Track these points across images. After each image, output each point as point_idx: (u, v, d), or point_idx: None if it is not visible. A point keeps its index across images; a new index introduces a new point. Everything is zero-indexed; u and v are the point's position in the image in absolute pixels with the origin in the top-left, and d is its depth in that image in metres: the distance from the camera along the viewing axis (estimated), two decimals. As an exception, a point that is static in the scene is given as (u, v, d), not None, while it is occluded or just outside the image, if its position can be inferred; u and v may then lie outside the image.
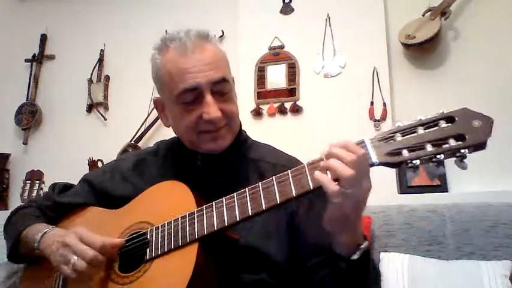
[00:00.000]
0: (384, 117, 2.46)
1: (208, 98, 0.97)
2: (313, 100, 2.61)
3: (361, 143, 0.79)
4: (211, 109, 0.96)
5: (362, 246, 0.83)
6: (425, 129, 0.76)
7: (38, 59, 3.32)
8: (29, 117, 3.18)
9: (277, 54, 2.69)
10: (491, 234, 1.91)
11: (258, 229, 0.94)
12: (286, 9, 2.75)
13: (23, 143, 3.19)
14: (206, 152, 1.03)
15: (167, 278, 0.87)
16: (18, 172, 3.11)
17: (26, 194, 2.72)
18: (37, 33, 3.36)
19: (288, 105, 2.62)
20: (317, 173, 0.78)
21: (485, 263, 1.81)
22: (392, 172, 2.34)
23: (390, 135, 0.78)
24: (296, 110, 2.60)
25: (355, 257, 0.82)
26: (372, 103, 2.49)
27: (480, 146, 0.73)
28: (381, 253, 1.99)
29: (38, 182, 2.76)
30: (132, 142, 2.86)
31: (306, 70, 2.65)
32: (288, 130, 2.56)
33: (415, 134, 0.76)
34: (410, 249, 1.97)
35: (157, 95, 1.10)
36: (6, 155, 3.17)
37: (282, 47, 2.70)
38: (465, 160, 0.73)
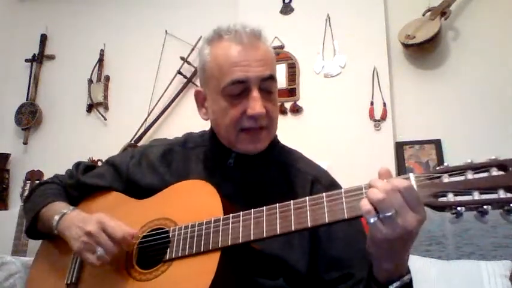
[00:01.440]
0: (383, 117, 2.46)
1: (255, 93, 0.95)
2: (313, 100, 2.61)
3: (405, 179, 0.75)
4: (257, 104, 0.95)
5: (404, 278, 0.78)
6: (474, 173, 0.72)
7: (38, 59, 3.32)
8: (29, 117, 3.19)
9: (277, 54, 2.69)
10: (491, 234, 1.91)
11: (281, 237, 0.91)
12: (286, 9, 2.75)
13: (23, 143, 3.19)
14: (242, 152, 1.02)
15: (185, 283, 0.86)
16: (18, 172, 3.11)
17: (26, 194, 2.71)
18: (37, 33, 3.36)
19: (288, 105, 2.62)
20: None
21: (485, 263, 1.81)
22: (392, 171, 2.34)
23: (437, 175, 0.74)
24: (296, 110, 2.60)
25: (394, 285, 0.78)
26: (371, 103, 2.48)
27: None
28: (381, 253, 1.99)
29: (38, 182, 2.76)
30: (132, 142, 2.86)
31: (306, 70, 2.65)
32: (288, 130, 2.55)
33: (463, 177, 0.72)
34: (410, 249, 1.97)
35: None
36: (6, 155, 3.17)
37: (282, 47, 2.70)
38: None
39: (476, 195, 0.70)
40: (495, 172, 0.70)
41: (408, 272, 0.80)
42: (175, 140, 1.17)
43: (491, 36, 2.45)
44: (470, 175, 0.72)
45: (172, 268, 0.89)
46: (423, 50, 2.49)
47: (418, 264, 1.87)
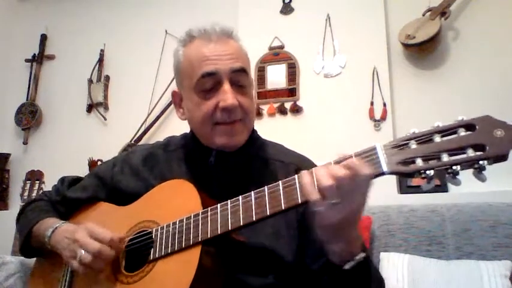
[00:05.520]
0: (383, 117, 2.46)
1: (226, 86, 0.97)
2: (313, 100, 2.61)
3: (372, 150, 0.74)
4: (228, 96, 0.96)
5: (356, 257, 0.80)
6: (442, 136, 0.71)
7: (38, 59, 3.33)
8: (29, 117, 3.19)
9: (277, 54, 2.69)
10: (491, 234, 1.91)
11: (268, 229, 0.93)
12: (286, 9, 2.75)
13: (23, 143, 3.19)
14: (220, 147, 1.02)
15: (169, 281, 0.87)
16: (18, 172, 3.11)
17: (26, 194, 2.71)
18: (37, 33, 3.36)
19: (288, 105, 2.62)
20: (304, 174, 0.76)
21: (485, 263, 1.81)
22: (392, 172, 2.34)
23: (404, 142, 0.73)
24: (296, 110, 2.60)
25: (346, 267, 0.79)
26: (371, 103, 2.48)
27: (501, 157, 0.67)
28: (381, 253, 1.99)
29: (38, 182, 2.75)
30: (132, 142, 2.86)
31: (306, 70, 2.65)
32: (288, 130, 2.57)
33: (431, 142, 0.71)
34: (410, 249, 1.97)
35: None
36: (6, 155, 3.17)
37: (282, 47, 2.70)
38: (484, 172, 0.68)
39: (445, 158, 0.69)
40: (463, 133, 0.70)
41: (364, 250, 0.82)
42: (157, 143, 1.18)
43: (491, 36, 2.45)
44: (438, 139, 0.71)
45: (156, 267, 0.90)
46: (423, 50, 2.49)
47: (418, 264, 1.87)
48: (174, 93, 1.10)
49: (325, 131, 2.53)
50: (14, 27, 3.46)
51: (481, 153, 0.68)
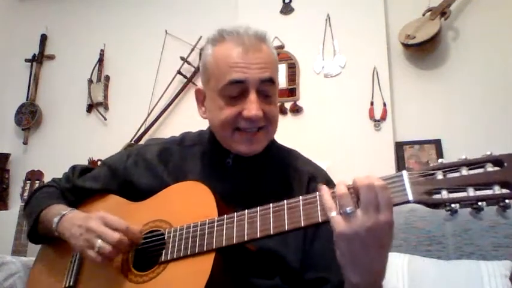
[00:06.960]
0: (383, 117, 2.46)
1: (253, 95, 0.96)
2: (313, 100, 2.61)
3: (398, 177, 0.74)
4: (253, 107, 0.95)
5: None
6: (469, 169, 0.70)
7: (38, 59, 3.32)
8: (29, 117, 3.19)
9: (277, 54, 2.69)
10: (491, 234, 1.91)
11: (276, 236, 0.92)
12: (286, 9, 2.75)
13: (23, 143, 3.19)
14: (237, 153, 1.02)
15: (181, 284, 0.86)
16: (18, 172, 3.11)
17: (26, 194, 2.71)
18: (37, 33, 3.36)
19: (288, 105, 2.62)
20: (323, 186, 0.77)
21: (485, 263, 1.81)
22: (392, 171, 2.34)
23: (431, 172, 0.72)
24: (296, 110, 2.60)
25: None
26: (371, 103, 2.48)
27: None
28: (381, 253, 1.99)
29: (38, 182, 2.76)
30: (132, 142, 2.86)
31: (306, 70, 2.65)
32: (288, 130, 2.56)
33: (458, 174, 0.71)
34: (410, 249, 1.97)
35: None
36: (6, 155, 3.17)
37: (282, 47, 2.70)
38: (508, 210, 0.67)
39: (471, 192, 0.69)
40: (490, 168, 0.69)
41: None
42: (172, 139, 1.17)
43: (491, 36, 2.45)
44: (465, 171, 0.71)
45: (167, 270, 0.89)
46: (423, 50, 2.49)
47: (418, 264, 1.87)
48: (197, 91, 1.09)
49: (325, 131, 2.53)
50: (14, 27, 3.46)
51: (508, 191, 0.67)
